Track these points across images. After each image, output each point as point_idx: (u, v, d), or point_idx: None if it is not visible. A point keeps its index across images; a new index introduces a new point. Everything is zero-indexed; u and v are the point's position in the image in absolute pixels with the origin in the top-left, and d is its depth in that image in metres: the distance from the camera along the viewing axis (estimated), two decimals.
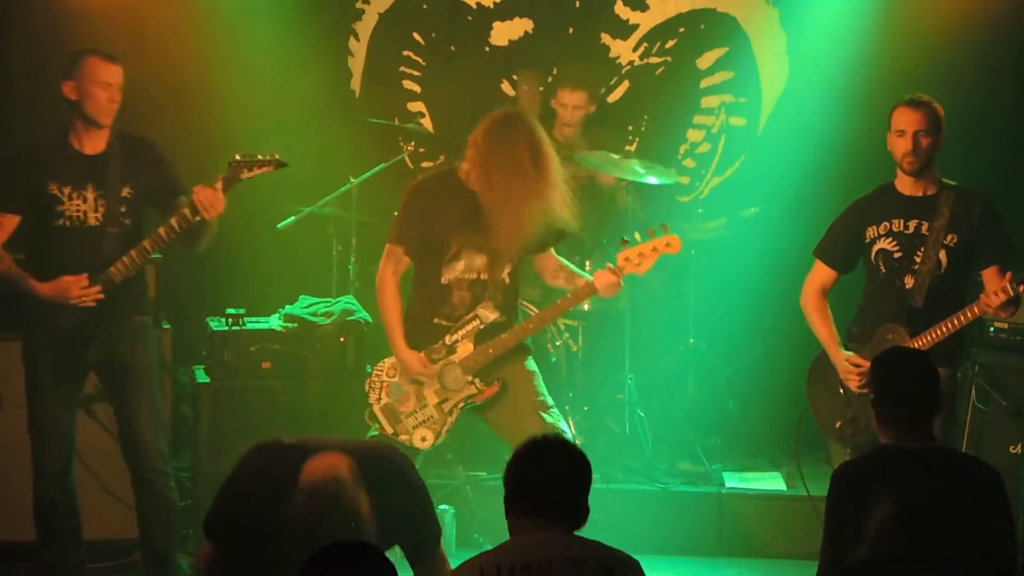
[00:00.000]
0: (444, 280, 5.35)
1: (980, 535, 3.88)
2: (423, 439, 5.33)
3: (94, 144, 5.36)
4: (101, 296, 5.25)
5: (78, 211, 5.31)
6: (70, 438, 5.45)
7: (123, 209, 5.34)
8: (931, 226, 5.40)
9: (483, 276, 5.35)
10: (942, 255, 5.39)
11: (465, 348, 5.33)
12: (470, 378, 5.32)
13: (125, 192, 5.35)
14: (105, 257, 5.29)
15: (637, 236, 5.42)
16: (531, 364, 5.43)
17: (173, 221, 5.25)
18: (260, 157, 5.27)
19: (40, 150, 5.38)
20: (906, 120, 5.35)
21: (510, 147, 5.21)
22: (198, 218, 5.22)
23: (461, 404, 5.35)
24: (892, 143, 5.41)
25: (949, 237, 5.40)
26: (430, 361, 5.33)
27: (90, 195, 5.32)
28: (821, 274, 5.66)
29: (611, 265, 5.36)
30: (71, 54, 5.36)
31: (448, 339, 5.34)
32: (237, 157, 5.27)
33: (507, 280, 5.39)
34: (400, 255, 5.41)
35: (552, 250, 5.53)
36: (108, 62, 5.31)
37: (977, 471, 4.01)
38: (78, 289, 5.23)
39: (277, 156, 5.29)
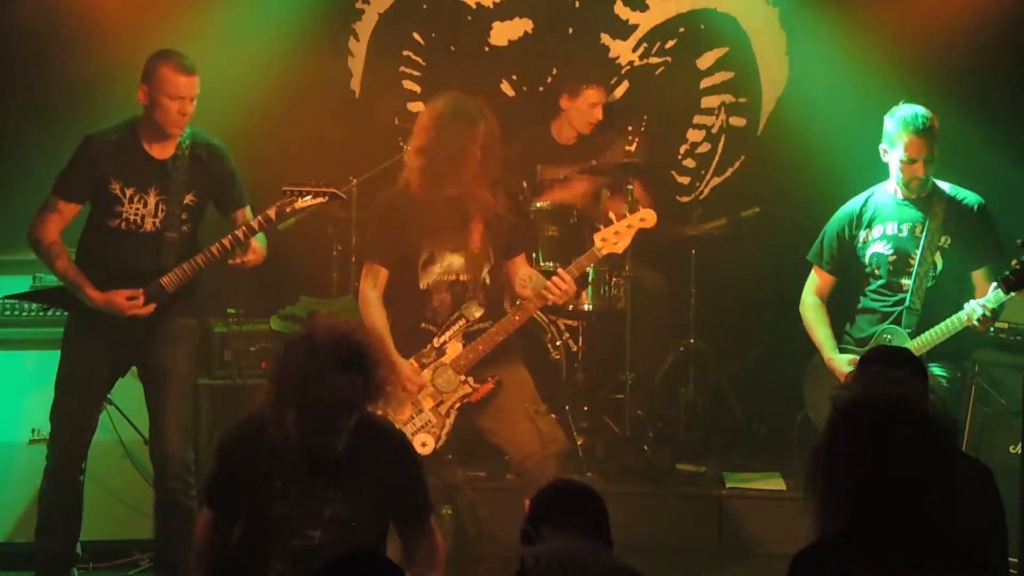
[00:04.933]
0: (423, 285, 5.35)
1: (972, 532, 3.86)
2: (424, 444, 5.31)
3: (164, 147, 5.30)
4: (154, 305, 5.21)
5: (136, 215, 5.27)
6: (88, 436, 5.39)
7: (184, 216, 5.29)
8: (925, 228, 5.42)
9: (462, 277, 5.34)
10: (937, 257, 5.41)
11: (454, 348, 5.32)
12: (463, 377, 5.31)
13: (188, 199, 5.30)
14: (159, 264, 5.25)
15: (612, 216, 5.41)
16: (523, 371, 5.42)
17: (225, 241, 5.20)
18: (313, 188, 5.19)
19: (110, 145, 5.28)
20: (918, 149, 5.37)
21: (466, 143, 5.23)
22: (246, 241, 5.19)
23: (457, 404, 5.34)
24: (898, 166, 5.42)
25: (943, 239, 5.41)
26: (420, 366, 5.32)
27: (152, 199, 5.27)
28: (818, 280, 5.68)
29: (562, 270, 5.31)
30: (149, 58, 5.27)
31: (436, 341, 5.33)
32: (288, 188, 5.18)
33: (487, 281, 5.37)
34: (377, 269, 5.39)
35: (523, 257, 5.50)
36: (182, 73, 5.21)
37: (971, 468, 4.01)
38: (132, 309, 5.19)
39: (333, 189, 5.21)
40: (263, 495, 3.91)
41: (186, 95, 5.20)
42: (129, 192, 5.24)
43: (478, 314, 5.31)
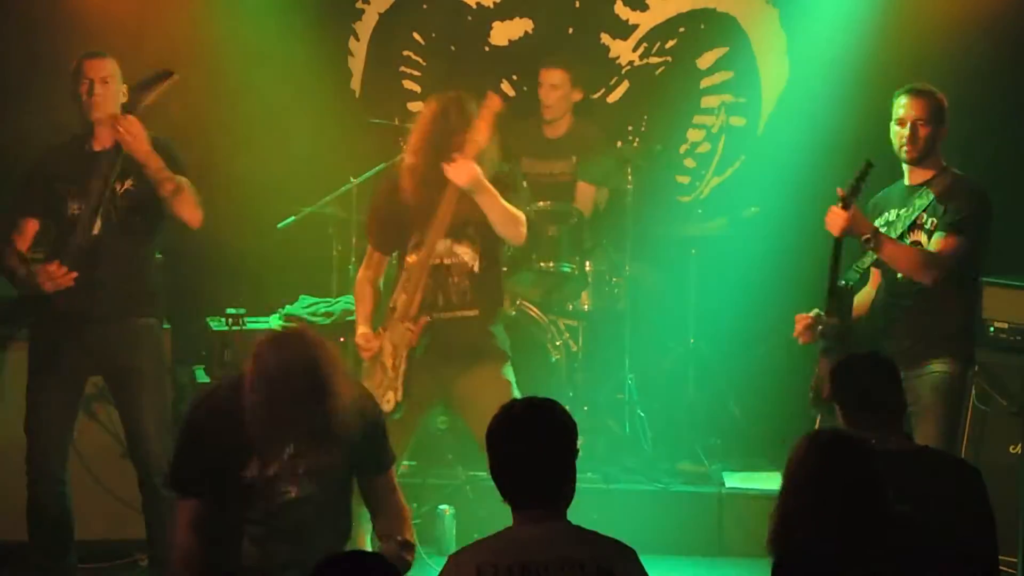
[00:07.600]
0: None
1: (962, 535, 3.86)
2: (387, 401, 5.26)
3: (103, 141, 5.39)
4: (75, 274, 5.23)
5: (80, 207, 5.32)
6: (66, 441, 5.44)
7: (126, 203, 5.34)
8: (914, 208, 5.39)
9: (446, 260, 5.32)
10: (922, 237, 5.34)
11: (400, 299, 5.30)
12: (406, 324, 5.27)
13: (128, 185, 5.35)
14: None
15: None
16: (508, 373, 5.36)
17: (105, 174, 5.28)
18: (147, 77, 5.28)
19: (55, 154, 5.45)
20: (908, 110, 5.33)
21: (449, 128, 5.22)
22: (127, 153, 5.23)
23: (404, 352, 5.28)
24: (892, 132, 5.39)
25: (931, 221, 5.36)
26: (383, 328, 5.31)
27: (92, 190, 5.32)
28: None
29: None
30: None
31: (391, 302, 5.32)
32: (128, 87, 5.31)
33: (475, 268, 5.34)
34: (372, 254, 5.42)
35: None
36: (89, 59, 5.36)
37: (959, 471, 4.01)
38: (46, 276, 5.23)
39: (161, 69, 5.30)
40: (235, 462, 3.94)
41: (95, 76, 5.32)
42: (72, 189, 5.34)
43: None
